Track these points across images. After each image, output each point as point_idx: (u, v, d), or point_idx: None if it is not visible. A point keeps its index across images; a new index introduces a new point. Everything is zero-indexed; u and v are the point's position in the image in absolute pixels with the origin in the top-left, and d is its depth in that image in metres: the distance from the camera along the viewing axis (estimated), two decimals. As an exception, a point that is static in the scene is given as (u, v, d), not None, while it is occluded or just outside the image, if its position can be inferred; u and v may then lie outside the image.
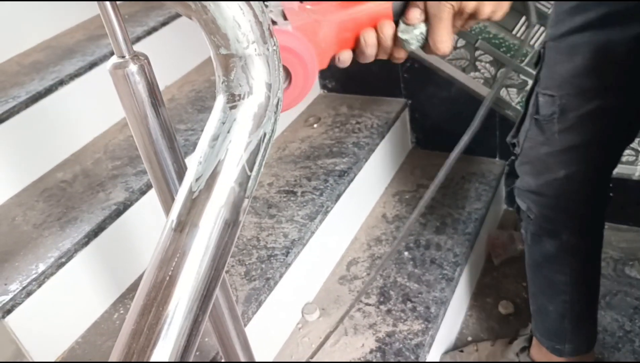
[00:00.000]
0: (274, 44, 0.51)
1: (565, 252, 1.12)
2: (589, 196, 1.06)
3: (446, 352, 1.46)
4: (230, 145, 0.49)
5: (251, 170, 0.50)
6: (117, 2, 0.59)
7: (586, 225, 1.10)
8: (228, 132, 0.49)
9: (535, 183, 1.07)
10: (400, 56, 0.64)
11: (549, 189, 1.06)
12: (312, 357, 1.25)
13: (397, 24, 0.62)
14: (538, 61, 0.99)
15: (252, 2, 0.49)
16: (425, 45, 0.64)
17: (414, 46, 0.63)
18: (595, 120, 0.94)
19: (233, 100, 0.50)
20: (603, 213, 1.13)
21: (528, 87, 1.61)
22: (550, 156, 1.02)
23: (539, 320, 1.26)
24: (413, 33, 0.62)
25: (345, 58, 0.63)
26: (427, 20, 0.61)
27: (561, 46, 0.92)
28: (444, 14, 0.60)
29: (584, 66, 0.90)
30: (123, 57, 0.60)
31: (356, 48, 0.63)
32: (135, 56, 0.61)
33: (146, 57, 0.62)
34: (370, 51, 0.61)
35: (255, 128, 0.50)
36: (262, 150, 0.51)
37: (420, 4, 0.60)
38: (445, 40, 0.61)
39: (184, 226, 0.47)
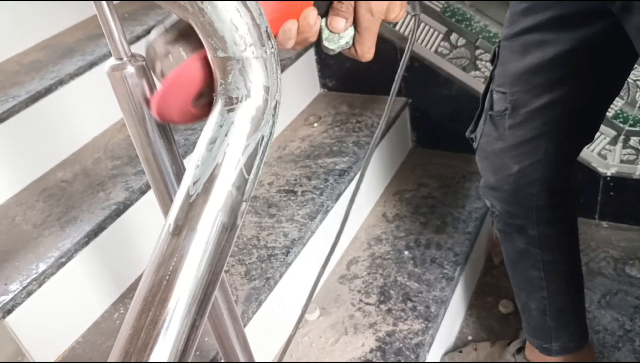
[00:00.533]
0: (272, 47, 0.50)
1: (534, 246, 1.14)
2: (545, 188, 1.08)
3: (445, 353, 1.46)
4: (228, 148, 0.49)
5: (249, 173, 0.50)
6: (115, 2, 0.59)
7: (548, 217, 1.12)
8: (226, 135, 0.49)
9: (494, 179, 1.10)
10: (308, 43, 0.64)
11: (506, 184, 1.09)
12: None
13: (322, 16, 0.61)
14: (493, 59, 1.01)
15: (249, 5, 0.49)
16: (348, 51, 0.64)
17: (336, 52, 0.64)
18: (543, 114, 0.98)
19: (231, 103, 0.50)
20: (571, 204, 1.15)
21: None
22: (503, 151, 1.05)
23: (524, 319, 1.27)
24: (338, 43, 0.62)
25: None
26: (354, 28, 0.61)
27: (514, 45, 0.95)
28: (375, 27, 0.61)
29: (534, 64, 0.93)
30: (121, 59, 0.60)
31: (275, 39, 0.60)
32: (133, 57, 0.60)
33: (144, 59, 0.61)
34: (289, 44, 0.60)
35: (253, 131, 0.50)
36: (260, 153, 0.51)
37: (346, 14, 0.60)
38: (371, 49, 0.63)
39: (182, 229, 0.47)
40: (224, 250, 0.49)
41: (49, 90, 1.36)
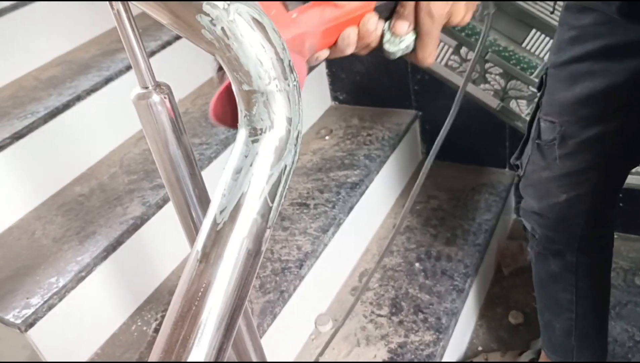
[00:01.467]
0: (294, 80, 0.53)
1: (570, 272, 1.13)
2: (591, 219, 1.07)
3: (457, 363, 1.47)
4: (252, 178, 0.51)
5: (273, 201, 0.52)
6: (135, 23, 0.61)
7: (590, 245, 1.11)
8: (250, 165, 0.51)
9: (537, 205, 1.09)
10: (370, 49, 0.63)
11: (551, 212, 1.07)
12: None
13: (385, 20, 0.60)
14: (540, 87, 1.00)
15: (273, 40, 0.51)
16: (409, 55, 0.62)
17: (397, 55, 0.62)
18: (594, 146, 0.96)
19: (255, 134, 0.52)
20: (610, 233, 1.15)
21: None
22: (551, 181, 1.03)
23: (546, 336, 1.27)
24: (399, 46, 0.61)
25: (322, 57, 0.62)
26: (415, 32, 0.60)
27: (562, 74, 0.93)
28: (436, 31, 0.60)
29: (583, 95, 0.91)
30: (146, 87, 0.62)
31: (335, 46, 0.61)
32: (158, 86, 0.63)
33: (168, 87, 0.64)
34: (349, 50, 0.60)
35: (276, 161, 0.52)
36: (283, 182, 0.53)
37: (409, 17, 0.59)
38: (433, 54, 0.61)
39: (209, 257, 0.49)
40: (249, 275, 0.51)
41: (66, 106, 1.39)
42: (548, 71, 0.97)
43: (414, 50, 0.61)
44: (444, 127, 0.86)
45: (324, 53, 0.61)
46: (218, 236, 0.50)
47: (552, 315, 1.22)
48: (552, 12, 1.48)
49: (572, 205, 1.04)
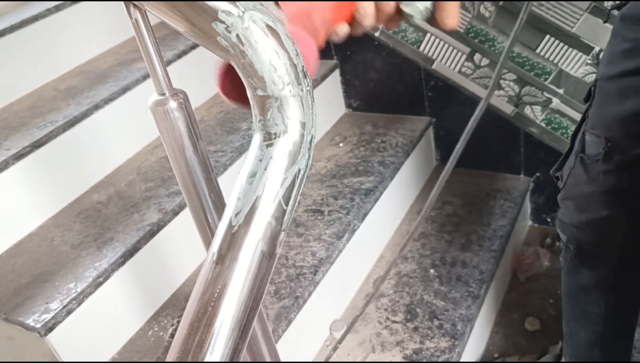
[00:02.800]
0: (308, 85, 0.54)
1: (602, 287, 1.11)
2: (631, 238, 1.04)
3: (473, 369, 1.47)
4: (267, 182, 0.52)
5: (287, 205, 0.53)
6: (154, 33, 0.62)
7: (626, 263, 1.09)
8: (265, 169, 0.52)
9: (577, 219, 1.06)
10: (394, 24, 0.60)
11: (590, 227, 1.04)
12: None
13: None
14: (588, 98, 0.97)
15: (287, 46, 0.52)
16: (430, 19, 0.59)
17: (418, 20, 0.59)
18: None
19: (269, 138, 0.53)
20: None
21: (552, 105, 1.63)
22: (593, 196, 1.00)
23: (569, 344, 1.25)
24: (417, 7, 0.58)
25: (342, 31, 0.60)
26: None
27: (612, 88, 0.91)
28: None
29: (633, 110, 0.88)
30: (163, 94, 0.63)
31: (353, 20, 0.59)
32: (175, 93, 0.64)
33: (185, 94, 0.65)
34: (368, 22, 0.57)
35: (290, 165, 0.53)
36: (297, 185, 0.54)
37: None
38: (453, 15, 0.57)
39: (225, 259, 0.50)
40: (264, 278, 0.52)
41: (85, 115, 1.42)
42: (597, 83, 0.94)
43: (433, 13, 0.58)
44: (462, 138, 0.85)
45: (343, 28, 0.60)
46: (233, 239, 0.51)
47: (578, 325, 1.19)
48: (605, 22, 1.43)
49: (613, 223, 1.01)
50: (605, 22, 1.43)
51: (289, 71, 0.52)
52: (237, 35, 0.50)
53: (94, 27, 1.73)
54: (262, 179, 0.52)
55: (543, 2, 1.50)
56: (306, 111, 0.54)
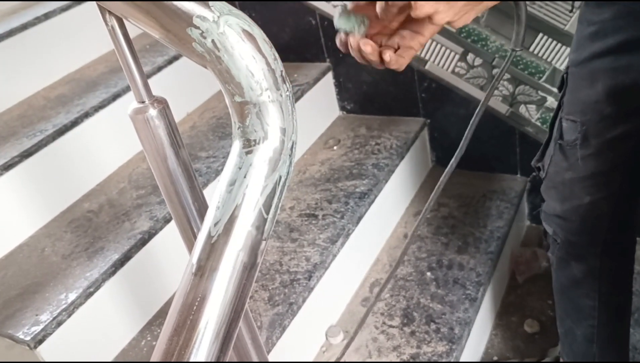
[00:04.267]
0: (287, 90, 0.52)
1: (593, 277, 1.11)
2: (616, 222, 1.04)
3: (472, 373, 1.45)
4: (247, 190, 0.51)
5: (268, 213, 0.52)
6: (136, 35, 0.61)
7: (614, 250, 1.09)
8: (244, 177, 0.51)
9: (560, 208, 1.06)
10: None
11: (574, 214, 1.04)
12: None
13: None
14: (562, 86, 0.98)
15: (264, 51, 0.51)
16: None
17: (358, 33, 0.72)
18: (618, 146, 0.94)
19: (249, 145, 0.52)
20: (633, 237, 1.11)
21: (547, 104, 1.62)
22: (574, 182, 1.00)
23: (566, 344, 1.24)
24: (352, 23, 0.70)
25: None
26: None
27: (582, 72, 0.91)
28: None
29: (605, 92, 0.89)
30: (143, 102, 0.62)
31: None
32: (155, 101, 0.63)
33: (165, 101, 0.64)
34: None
35: (270, 172, 0.52)
36: (278, 193, 0.52)
37: None
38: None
39: (204, 270, 0.49)
40: (245, 289, 0.50)
41: (74, 123, 1.41)
42: (569, 70, 0.95)
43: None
44: (461, 144, 0.85)
45: None
46: (213, 249, 0.50)
47: (573, 322, 1.19)
48: (570, 11, 1.44)
49: (596, 207, 1.02)
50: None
51: (267, 76, 0.51)
52: (213, 41, 0.49)
53: (84, 34, 1.71)
54: (241, 188, 0.51)
55: (535, 1, 1.49)
56: (286, 116, 0.52)
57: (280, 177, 0.52)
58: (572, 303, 1.17)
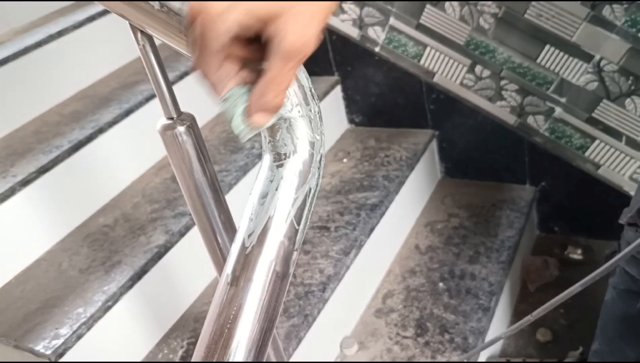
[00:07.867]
0: (316, 105, 0.54)
1: None
2: None
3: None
4: (278, 202, 0.52)
5: (299, 224, 0.53)
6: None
7: None
8: (276, 189, 0.52)
9: None
10: None
11: None
12: None
13: None
14: None
15: (294, 68, 0.52)
16: None
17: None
18: None
19: (279, 159, 0.53)
20: None
21: (555, 114, 1.63)
22: None
23: (610, 359, 1.20)
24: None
25: None
26: None
27: None
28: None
29: None
30: (172, 118, 0.64)
31: None
32: (183, 117, 0.64)
33: (192, 117, 0.66)
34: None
35: (301, 184, 0.53)
36: (308, 204, 0.54)
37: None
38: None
39: (239, 280, 0.50)
40: (278, 297, 0.52)
41: (89, 139, 1.42)
42: None
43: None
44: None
45: None
46: (247, 260, 0.51)
47: (627, 344, 1.16)
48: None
49: None
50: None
51: (297, 93, 0.52)
52: (245, 58, 0.51)
53: (96, 51, 1.74)
54: (273, 200, 0.52)
55: (542, 13, 1.51)
56: (315, 131, 0.54)
57: (310, 189, 0.54)
58: (634, 330, 1.14)
